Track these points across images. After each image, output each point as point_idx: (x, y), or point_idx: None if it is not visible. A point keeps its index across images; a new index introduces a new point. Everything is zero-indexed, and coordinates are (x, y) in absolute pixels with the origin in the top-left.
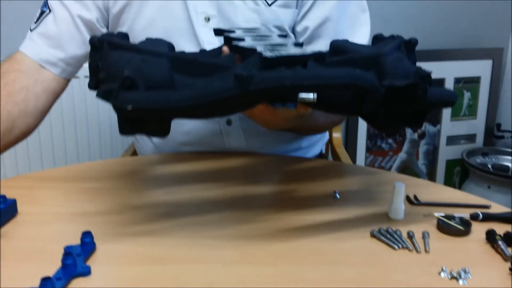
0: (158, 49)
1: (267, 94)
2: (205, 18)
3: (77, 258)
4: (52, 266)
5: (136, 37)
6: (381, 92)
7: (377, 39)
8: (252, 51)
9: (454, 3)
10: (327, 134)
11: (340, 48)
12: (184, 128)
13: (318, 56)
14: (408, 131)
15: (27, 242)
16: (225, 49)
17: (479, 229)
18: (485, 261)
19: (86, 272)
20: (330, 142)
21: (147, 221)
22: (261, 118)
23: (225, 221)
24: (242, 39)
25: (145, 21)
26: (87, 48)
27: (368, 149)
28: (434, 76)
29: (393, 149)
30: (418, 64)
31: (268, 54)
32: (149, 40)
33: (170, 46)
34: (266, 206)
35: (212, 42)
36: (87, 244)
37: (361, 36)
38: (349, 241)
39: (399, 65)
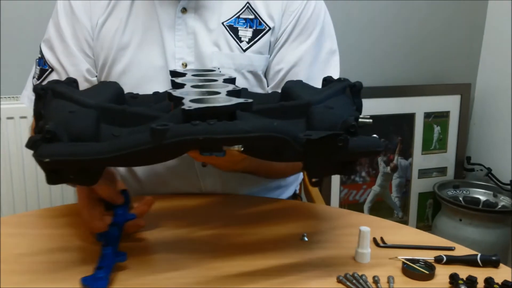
0: (89, 99)
1: (184, 146)
2: (183, 64)
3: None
4: None
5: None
6: (300, 143)
7: (326, 81)
8: (180, 100)
9: (423, 40)
10: (301, 174)
11: (287, 91)
12: (158, 170)
13: (244, 106)
14: (381, 165)
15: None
16: None
17: (443, 272)
18: None
19: (123, 258)
20: (303, 180)
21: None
22: (207, 161)
23: (190, 261)
24: (182, 85)
25: (122, 66)
26: None
27: (342, 183)
28: (404, 111)
29: (367, 183)
30: (391, 99)
31: (187, 106)
32: (100, 84)
33: (118, 91)
34: (235, 247)
35: None
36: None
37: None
38: (315, 286)
39: (326, 116)
